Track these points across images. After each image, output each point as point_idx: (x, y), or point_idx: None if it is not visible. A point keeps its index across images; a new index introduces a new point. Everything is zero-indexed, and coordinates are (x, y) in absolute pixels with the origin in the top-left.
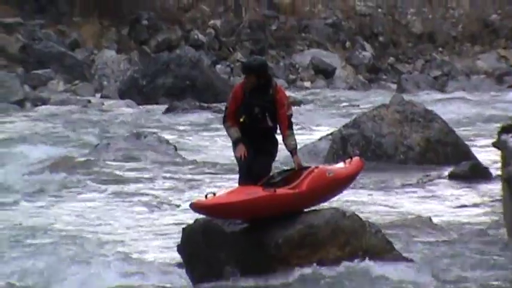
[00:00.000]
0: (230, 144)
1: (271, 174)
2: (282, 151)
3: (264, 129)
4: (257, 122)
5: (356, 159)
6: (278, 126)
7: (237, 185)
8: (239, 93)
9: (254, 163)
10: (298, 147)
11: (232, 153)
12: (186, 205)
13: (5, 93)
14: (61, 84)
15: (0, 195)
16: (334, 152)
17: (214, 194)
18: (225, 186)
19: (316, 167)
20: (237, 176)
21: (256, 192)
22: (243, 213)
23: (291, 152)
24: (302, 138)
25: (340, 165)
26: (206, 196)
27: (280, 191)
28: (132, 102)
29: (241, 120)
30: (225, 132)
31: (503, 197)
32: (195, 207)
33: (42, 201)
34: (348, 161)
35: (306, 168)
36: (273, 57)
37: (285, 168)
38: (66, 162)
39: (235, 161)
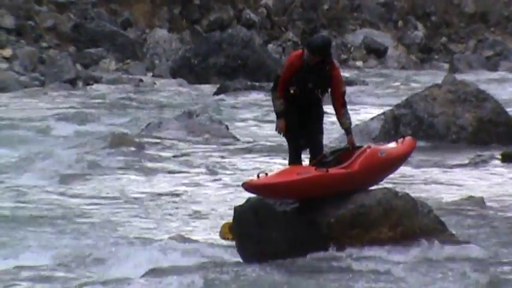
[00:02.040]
0: None
1: (323, 153)
2: (333, 132)
3: (312, 100)
4: (307, 95)
5: (408, 138)
6: (332, 104)
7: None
8: (297, 64)
9: (300, 132)
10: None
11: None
12: (238, 184)
13: (57, 72)
14: (113, 63)
15: (55, 173)
16: (386, 132)
17: (266, 174)
18: (277, 166)
19: (369, 147)
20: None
21: (308, 171)
22: (294, 192)
23: (346, 130)
24: (354, 118)
25: (393, 145)
26: (258, 176)
27: (332, 170)
28: (184, 81)
29: (292, 91)
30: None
31: None
32: (247, 186)
33: (95, 180)
34: (400, 140)
35: (359, 147)
36: None
37: (338, 147)
38: (118, 141)
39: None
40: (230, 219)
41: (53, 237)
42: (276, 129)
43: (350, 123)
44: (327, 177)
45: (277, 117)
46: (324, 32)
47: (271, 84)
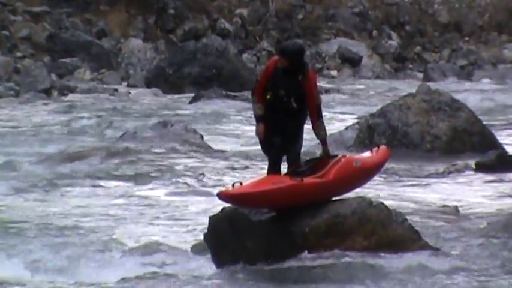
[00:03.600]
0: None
1: (298, 162)
2: (309, 141)
3: (289, 110)
4: (281, 103)
5: (383, 148)
6: (308, 114)
7: (264, 173)
8: (271, 70)
9: (276, 138)
10: None
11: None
12: (213, 194)
13: (32, 82)
14: (88, 73)
15: (26, 184)
16: (360, 141)
17: (241, 183)
18: (252, 176)
19: (343, 156)
20: (264, 165)
21: (283, 181)
22: (269, 202)
23: (321, 141)
24: (328, 127)
25: (367, 154)
26: (233, 185)
27: (307, 180)
28: (159, 91)
29: (268, 96)
30: (252, 121)
31: None
32: (222, 196)
33: (68, 190)
34: (374, 150)
35: (333, 157)
36: None
37: (313, 157)
38: (92, 151)
39: (262, 151)
40: (205, 228)
41: (28, 246)
42: (255, 134)
43: (325, 134)
44: (301, 187)
45: (256, 122)
46: (298, 41)
47: (246, 93)
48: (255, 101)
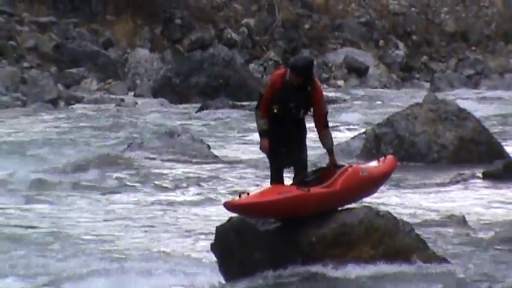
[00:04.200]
0: None
1: (305, 172)
2: (316, 150)
3: (294, 120)
4: (289, 114)
5: (390, 158)
6: (314, 124)
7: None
8: (278, 83)
9: (283, 150)
10: None
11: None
12: (220, 204)
13: (39, 92)
14: (94, 83)
15: (34, 193)
16: (367, 151)
17: (247, 193)
18: (259, 185)
19: (350, 166)
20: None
21: (290, 191)
22: (276, 212)
23: (328, 150)
24: (335, 137)
25: (374, 164)
26: (240, 195)
27: (314, 190)
28: (165, 101)
29: (275, 110)
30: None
31: None
32: (229, 206)
33: (75, 200)
34: (381, 159)
35: (340, 167)
36: None
37: (319, 167)
38: (99, 161)
39: (268, 161)
40: (212, 238)
41: (33, 255)
42: (260, 148)
43: (332, 143)
44: (308, 197)
45: (261, 137)
46: (305, 51)
47: (253, 103)
48: (259, 116)
